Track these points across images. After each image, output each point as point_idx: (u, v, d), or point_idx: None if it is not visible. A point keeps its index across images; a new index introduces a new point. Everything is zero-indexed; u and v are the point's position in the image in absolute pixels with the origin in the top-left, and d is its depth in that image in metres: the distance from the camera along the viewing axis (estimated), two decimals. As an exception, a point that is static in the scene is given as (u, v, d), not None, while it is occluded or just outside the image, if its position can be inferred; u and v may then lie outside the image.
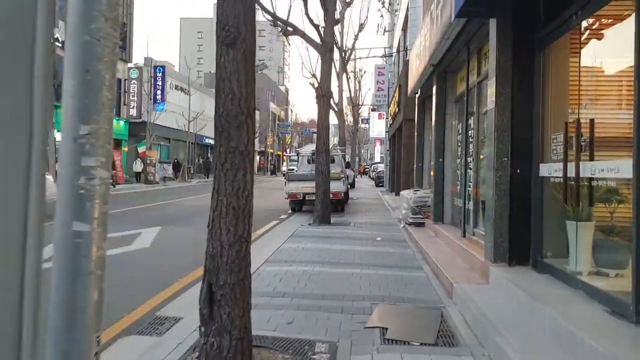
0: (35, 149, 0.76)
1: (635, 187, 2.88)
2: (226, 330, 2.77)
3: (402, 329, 3.73)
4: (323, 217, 10.04)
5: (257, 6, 5.33)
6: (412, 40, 13.02)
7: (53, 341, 0.93)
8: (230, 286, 2.84)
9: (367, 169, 57.21)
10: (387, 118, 25.11)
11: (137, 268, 6.03)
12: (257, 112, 57.68)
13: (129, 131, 29.50)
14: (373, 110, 31.22)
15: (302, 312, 4.06)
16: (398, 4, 21.76)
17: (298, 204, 13.34)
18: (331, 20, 9.88)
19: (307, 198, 12.31)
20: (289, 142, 74.59)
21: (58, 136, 19.77)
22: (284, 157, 21.64)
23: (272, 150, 65.78)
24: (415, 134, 12.51)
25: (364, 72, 37.06)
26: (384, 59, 26.10)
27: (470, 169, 6.91)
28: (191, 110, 34.70)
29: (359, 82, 35.35)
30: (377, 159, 52.77)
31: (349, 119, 44.68)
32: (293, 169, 15.51)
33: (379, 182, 29.48)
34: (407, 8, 17.01)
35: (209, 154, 46.72)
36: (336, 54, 22.71)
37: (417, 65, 10.00)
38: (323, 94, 9.87)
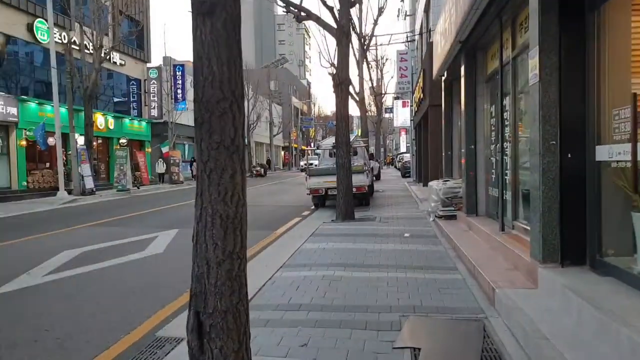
0: None
1: None
2: (219, 368, 2.24)
3: (438, 350, 3.12)
4: (346, 212, 9.45)
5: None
6: (435, 22, 12.20)
7: None
8: (221, 314, 2.30)
9: (393, 160, 56.14)
10: (411, 105, 24.19)
11: (147, 277, 5.60)
12: (279, 107, 57.77)
13: (152, 132, 29.58)
14: (396, 98, 30.25)
15: (320, 329, 3.50)
16: (419, -14, 20.80)
17: (321, 200, 12.78)
18: (346, 1, 9.21)
19: (330, 193, 11.72)
20: (313, 136, 74.05)
21: (80, 140, 19.85)
22: (308, 152, 20.86)
23: (296, 145, 65.42)
24: (443, 120, 11.73)
25: (386, 59, 35.98)
26: (407, 44, 25.15)
27: (507, 155, 6.17)
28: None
29: (381, 70, 34.37)
30: (402, 148, 51.67)
31: (372, 109, 43.75)
32: (312, 163, 14.96)
33: (405, 172, 28.63)
34: (429, -12, 16.11)
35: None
36: (355, 42, 21.97)
37: (443, 44, 9.23)
38: (341, 82, 9.23)
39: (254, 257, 6.33)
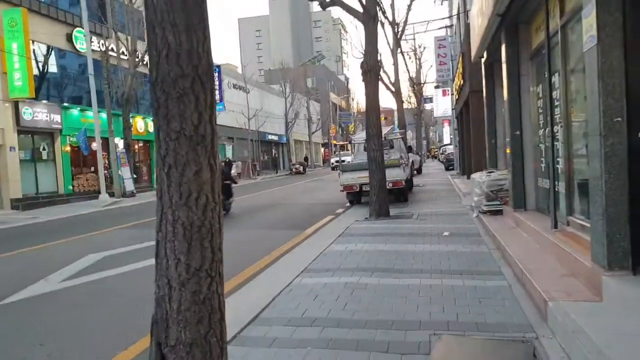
0: None
1: None
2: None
3: (476, 383, 2.50)
4: (380, 210, 8.81)
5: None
6: (473, 1, 11.28)
7: None
8: (185, 347, 1.81)
9: (436, 152, 54.43)
10: (452, 94, 23.04)
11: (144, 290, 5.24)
12: (317, 104, 57.40)
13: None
14: (437, 87, 29.01)
15: (333, 351, 2.95)
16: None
17: (356, 196, 12.17)
18: (371, -19, 8.57)
19: (364, 189, 11.09)
20: (352, 131, 73.18)
21: (120, 143, 20.24)
22: (339, 147, 20.14)
23: (335, 142, 64.87)
24: (485, 106, 10.81)
25: (424, 48, 34.64)
26: (446, 30, 23.98)
27: (558, 140, 5.36)
28: (250, 108, 34.64)
29: (419, 59, 33.15)
30: (446, 140, 50.04)
31: (412, 100, 42.45)
32: (344, 160, 14.45)
33: (448, 165, 27.45)
34: (466, -33, 15.07)
35: (273, 150, 47.18)
36: (389, 30, 21.09)
37: (480, 21, 8.39)
38: (369, 69, 8.58)
39: (276, 260, 5.87)
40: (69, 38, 20.14)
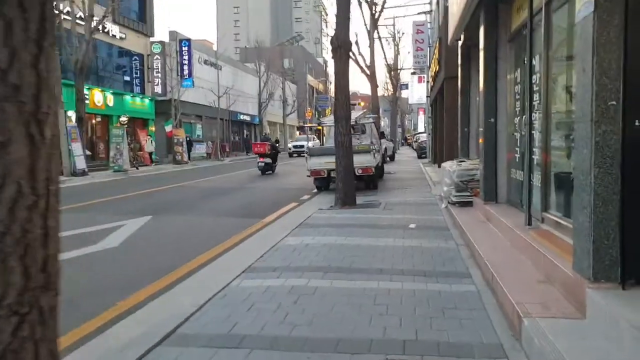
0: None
1: None
2: None
3: None
4: (346, 198, 8.25)
5: None
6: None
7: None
8: None
9: (409, 140, 54.41)
10: (427, 81, 22.57)
11: (80, 282, 4.52)
12: (294, 86, 56.22)
13: (156, 110, 28.58)
14: (413, 74, 28.51)
15: (258, 382, 2.35)
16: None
17: (324, 182, 11.58)
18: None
19: (332, 175, 10.50)
20: (328, 115, 72.25)
21: (73, 117, 18.90)
22: (310, 130, 18.78)
23: (300, 124, 63.99)
24: (459, 92, 10.33)
25: (402, 34, 33.98)
26: (425, 14, 23.40)
27: (536, 129, 4.85)
28: (221, 86, 33.39)
29: (397, 45, 32.49)
30: (420, 128, 49.96)
31: (389, 87, 41.92)
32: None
33: (421, 153, 27.23)
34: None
35: (245, 131, 45.94)
36: (366, 10, 20.38)
37: (458, 1, 7.81)
38: (339, 45, 7.89)
39: (219, 256, 5.21)
40: None
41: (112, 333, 3.09)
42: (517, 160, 5.98)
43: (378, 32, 22.51)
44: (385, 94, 43.22)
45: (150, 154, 25.45)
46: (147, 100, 28.04)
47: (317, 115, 67.05)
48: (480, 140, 6.94)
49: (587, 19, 2.77)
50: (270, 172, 17.51)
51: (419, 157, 27.45)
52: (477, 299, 3.49)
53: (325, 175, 10.83)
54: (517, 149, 5.94)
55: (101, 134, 24.39)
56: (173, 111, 26.90)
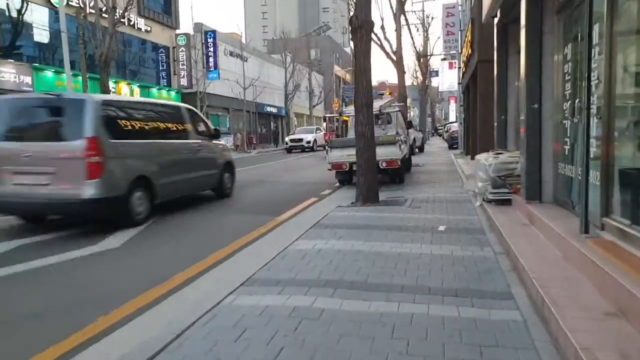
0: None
1: None
2: None
3: None
4: (367, 194, 7.52)
5: None
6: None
7: None
8: None
9: (440, 130, 52.77)
10: (458, 67, 21.37)
11: (69, 290, 4.02)
12: (320, 77, 55.32)
13: (182, 102, 28.42)
14: (443, 59, 27.20)
15: None
16: None
17: (346, 176, 10.88)
18: None
19: (355, 168, 9.79)
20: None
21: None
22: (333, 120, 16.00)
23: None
24: (495, 77, 9.37)
25: (432, 19, 32.52)
26: (455, -3, 22.12)
27: (594, 114, 3.99)
28: (247, 77, 32.99)
29: (427, 31, 31.11)
30: (452, 118, 48.35)
31: (418, 75, 40.52)
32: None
33: (452, 143, 26.03)
34: None
35: (272, 123, 45.51)
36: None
37: (496, -30, 6.89)
38: (359, 25, 7.11)
39: (221, 262, 4.62)
40: (45, -8, 18.59)
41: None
42: (566, 152, 5.12)
43: (405, 17, 21.42)
44: (415, 83, 41.80)
45: None
46: (173, 93, 27.93)
47: (344, 106, 65.99)
48: (522, 130, 6.08)
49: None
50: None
51: (450, 148, 26.28)
52: (523, 332, 2.74)
53: (347, 169, 10.13)
54: (567, 139, 5.08)
55: (127, 126, 24.38)
56: (198, 103, 26.65)
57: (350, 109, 11.35)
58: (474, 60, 13.80)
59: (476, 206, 6.99)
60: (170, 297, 3.66)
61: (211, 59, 29.90)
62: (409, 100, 33.43)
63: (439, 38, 32.17)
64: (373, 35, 19.07)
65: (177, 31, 28.81)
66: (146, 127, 7.03)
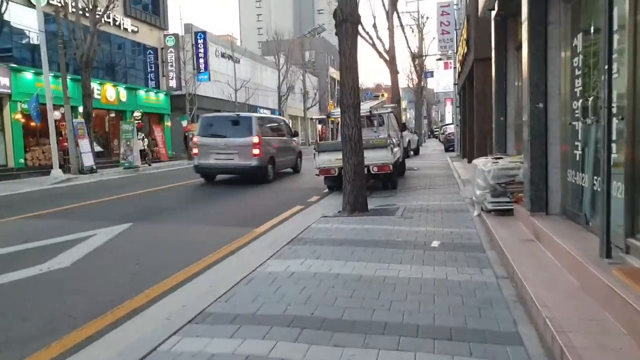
0: None
1: None
2: None
3: None
4: (355, 202, 6.87)
5: None
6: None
7: None
8: None
9: (436, 132, 52.24)
10: (454, 67, 20.75)
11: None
12: (314, 78, 54.68)
13: (172, 104, 27.73)
14: (439, 59, 26.60)
15: None
16: None
17: (336, 182, 10.20)
18: None
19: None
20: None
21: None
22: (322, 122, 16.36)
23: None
24: (494, 75, 8.74)
25: (427, 18, 31.89)
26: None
27: (615, 113, 3.34)
28: (238, 79, 32.32)
29: (421, 31, 30.43)
30: (448, 120, 47.85)
31: (413, 77, 39.92)
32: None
33: (448, 146, 25.52)
34: None
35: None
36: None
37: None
38: (344, 18, 6.46)
39: (173, 290, 3.92)
40: (24, -11, 17.85)
41: None
42: (577, 158, 4.48)
43: (399, 15, 20.78)
44: (410, 85, 41.20)
45: (141, 151, 24.18)
46: (162, 95, 27.21)
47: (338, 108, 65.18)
48: (525, 133, 5.43)
49: None
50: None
51: (446, 150, 25.76)
52: (540, 399, 2.08)
53: (336, 174, 9.46)
54: (578, 143, 4.43)
55: (115, 130, 23.64)
56: (187, 106, 25.95)
57: (339, 111, 10.70)
58: (470, 59, 13.18)
59: (474, 216, 6.34)
60: (94, 342, 2.91)
61: (202, 60, 29.21)
62: (404, 103, 32.84)
63: (434, 39, 31.63)
64: (365, 34, 18.58)
65: (166, 32, 28.10)
66: (272, 130, 13.45)
